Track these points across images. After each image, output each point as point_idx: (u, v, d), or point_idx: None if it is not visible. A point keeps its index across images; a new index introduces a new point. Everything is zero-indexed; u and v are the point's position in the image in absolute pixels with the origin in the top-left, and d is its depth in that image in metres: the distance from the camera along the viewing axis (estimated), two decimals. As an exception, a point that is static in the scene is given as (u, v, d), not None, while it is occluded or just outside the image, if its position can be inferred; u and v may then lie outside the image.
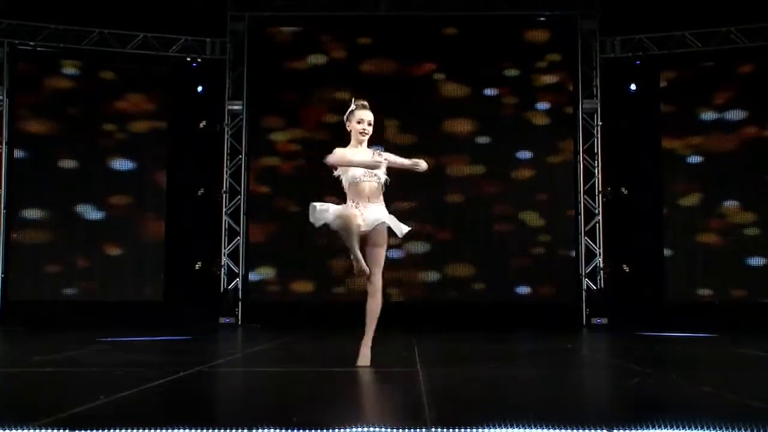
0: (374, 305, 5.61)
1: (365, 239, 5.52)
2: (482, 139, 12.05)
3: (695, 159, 11.84)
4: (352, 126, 5.60)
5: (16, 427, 3.04)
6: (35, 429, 3.06)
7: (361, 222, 5.41)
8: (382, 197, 5.68)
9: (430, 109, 12.06)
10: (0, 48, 11.47)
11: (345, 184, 5.67)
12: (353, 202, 5.60)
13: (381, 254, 5.60)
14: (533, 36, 12.16)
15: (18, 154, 11.60)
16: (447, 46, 12.16)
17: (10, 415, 3.61)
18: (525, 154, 12.02)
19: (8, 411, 3.85)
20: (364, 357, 5.51)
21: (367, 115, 5.62)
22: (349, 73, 12.04)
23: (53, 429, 3.08)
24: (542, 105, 12.07)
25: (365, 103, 5.69)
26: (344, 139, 5.80)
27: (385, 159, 5.69)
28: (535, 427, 3.07)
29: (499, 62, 12.10)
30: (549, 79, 12.08)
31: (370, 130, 5.59)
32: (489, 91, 12.15)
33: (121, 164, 11.82)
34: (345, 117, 5.66)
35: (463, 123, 12.05)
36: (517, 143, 12.03)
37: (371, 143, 5.81)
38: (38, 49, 11.61)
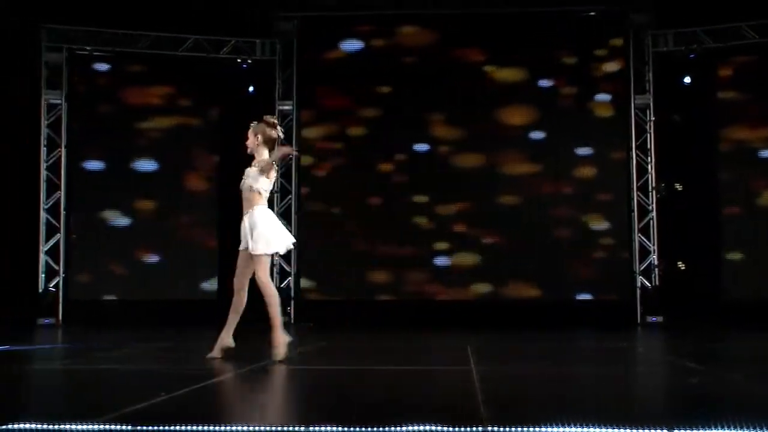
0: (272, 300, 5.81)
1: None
2: (536, 134, 11.85)
3: (761, 153, 11.50)
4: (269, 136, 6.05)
5: (80, 423, 3.12)
6: (99, 425, 3.13)
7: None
8: (252, 205, 5.89)
9: (480, 102, 11.93)
10: (59, 53, 11.74)
11: (266, 186, 5.99)
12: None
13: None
14: (585, 31, 11.96)
15: (77, 155, 11.85)
16: (496, 37, 11.98)
17: (75, 410, 3.71)
18: (578, 150, 11.80)
19: (72, 407, 3.96)
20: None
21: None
22: (394, 67, 11.99)
23: (116, 425, 3.15)
24: (598, 97, 11.84)
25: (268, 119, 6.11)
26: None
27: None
28: (593, 426, 3.04)
29: (552, 53, 11.89)
30: (602, 71, 11.87)
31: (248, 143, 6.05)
32: (543, 82, 11.94)
33: (174, 167, 12.00)
34: (269, 133, 6.05)
35: (515, 116, 11.88)
36: (570, 137, 11.83)
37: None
38: (95, 53, 11.86)
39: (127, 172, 11.94)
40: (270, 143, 6.02)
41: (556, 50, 11.94)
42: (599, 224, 11.69)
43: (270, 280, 5.92)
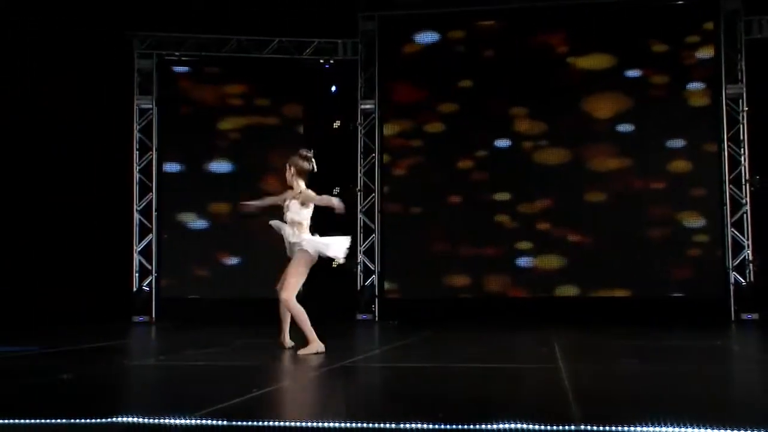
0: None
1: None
2: (624, 127, 11.49)
3: None
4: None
5: (178, 417, 3.22)
6: (196, 419, 3.23)
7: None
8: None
9: (564, 94, 11.64)
10: (149, 60, 12.16)
11: (307, 216, 6.54)
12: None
13: None
14: (673, 18, 11.55)
15: (167, 158, 12.23)
16: (581, 27, 11.68)
17: (172, 405, 3.84)
18: (669, 142, 11.34)
19: (169, 401, 4.10)
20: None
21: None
22: (474, 61, 11.86)
23: (212, 420, 3.24)
24: (690, 86, 11.38)
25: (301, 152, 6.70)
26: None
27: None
28: (687, 425, 2.97)
29: (641, 41, 11.49)
30: (693, 59, 11.41)
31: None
32: (631, 72, 11.53)
33: (258, 168, 12.22)
34: (301, 165, 6.59)
35: (602, 108, 11.54)
36: (661, 129, 11.41)
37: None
38: (183, 58, 12.23)
39: (212, 173, 12.25)
40: (303, 174, 6.58)
41: (645, 38, 11.52)
42: (690, 219, 11.31)
43: None
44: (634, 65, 11.56)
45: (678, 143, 11.42)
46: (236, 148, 12.29)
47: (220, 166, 12.28)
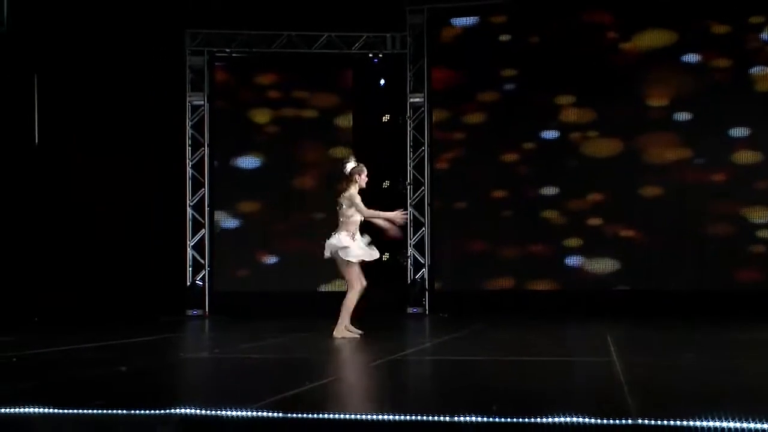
0: None
1: None
2: (682, 115, 11.06)
3: None
4: (361, 179, 7.26)
5: (234, 410, 3.26)
6: (251, 412, 3.26)
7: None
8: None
9: (615, 81, 11.28)
10: (200, 57, 12.29)
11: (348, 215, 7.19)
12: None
13: None
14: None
15: (220, 153, 12.36)
16: (635, 8, 11.28)
17: (227, 397, 3.89)
18: (731, 131, 10.89)
19: (224, 393, 4.15)
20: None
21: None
22: (519, 48, 11.66)
23: (267, 411, 3.27)
24: (752, 71, 10.91)
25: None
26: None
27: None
28: (750, 420, 2.90)
29: (700, 23, 11.08)
30: (758, 42, 10.91)
31: None
32: (689, 56, 11.07)
33: (311, 160, 12.28)
34: (351, 170, 7.25)
35: (657, 95, 11.15)
36: (722, 117, 10.94)
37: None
38: (233, 55, 12.35)
39: (259, 169, 12.32)
40: (349, 180, 7.23)
41: (703, 18, 11.07)
42: (754, 213, 10.83)
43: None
44: (693, 48, 11.09)
45: (741, 132, 10.90)
46: (283, 143, 12.34)
47: (267, 162, 12.35)
